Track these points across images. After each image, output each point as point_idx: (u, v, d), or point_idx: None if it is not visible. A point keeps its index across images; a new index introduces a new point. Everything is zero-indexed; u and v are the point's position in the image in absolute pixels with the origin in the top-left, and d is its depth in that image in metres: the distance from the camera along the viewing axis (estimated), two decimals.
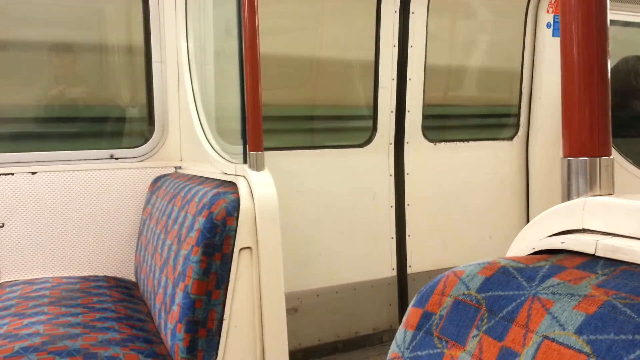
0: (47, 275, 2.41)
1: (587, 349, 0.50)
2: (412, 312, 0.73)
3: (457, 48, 3.46)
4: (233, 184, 1.79)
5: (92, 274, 2.48)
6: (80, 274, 2.46)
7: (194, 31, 2.65)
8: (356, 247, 3.04)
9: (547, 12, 3.32)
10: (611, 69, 0.70)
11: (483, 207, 3.36)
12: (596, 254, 0.62)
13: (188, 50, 2.62)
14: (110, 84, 2.79)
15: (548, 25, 3.33)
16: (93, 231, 2.51)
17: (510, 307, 0.60)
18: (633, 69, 3.42)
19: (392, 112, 3.09)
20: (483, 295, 0.65)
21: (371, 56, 3.03)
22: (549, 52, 3.34)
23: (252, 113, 1.79)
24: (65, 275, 2.44)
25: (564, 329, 0.53)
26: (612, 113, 0.69)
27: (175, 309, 1.64)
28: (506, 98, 3.54)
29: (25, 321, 1.76)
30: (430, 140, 3.20)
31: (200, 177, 2.15)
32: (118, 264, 2.55)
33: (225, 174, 1.96)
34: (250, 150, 1.79)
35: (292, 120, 3.19)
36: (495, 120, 3.64)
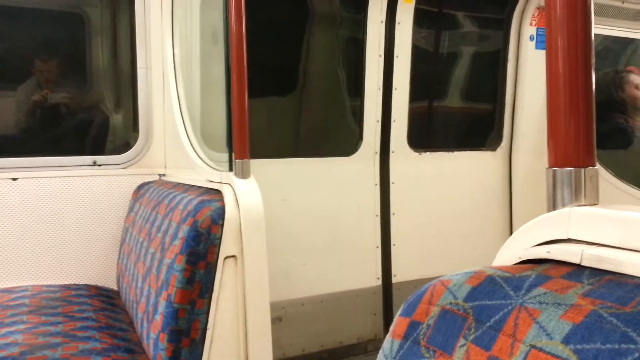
0: (26, 284, 2.36)
1: (574, 359, 0.51)
2: (399, 322, 0.73)
3: None
4: (218, 192, 1.78)
5: (73, 283, 2.44)
6: (61, 282, 2.41)
7: (180, 37, 2.64)
8: (341, 256, 3.03)
9: (530, 25, 3.37)
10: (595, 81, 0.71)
11: (467, 217, 3.37)
12: (582, 264, 0.62)
13: (174, 56, 2.60)
14: (93, 89, 2.75)
15: (531, 38, 3.38)
16: (74, 239, 2.46)
17: (497, 317, 0.60)
18: (613, 82, 3.49)
19: (377, 121, 3.10)
20: (470, 304, 0.65)
21: None
22: (532, 64, 3.38)
23: (238, 120, 1.78)
24: (45, 283, 2.39)
25: (551, 339, 0.54)
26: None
27: (158, 319, 1.62)
28: None
29: (4, 330, 1.72)
30: (416, 150, 3.22)
31: (185, 184, 2.13)
32: (100, 272, 2.51)
33: (211, 181, 1.94)
34: (236, 158, 1.78)
35: None
36: None
